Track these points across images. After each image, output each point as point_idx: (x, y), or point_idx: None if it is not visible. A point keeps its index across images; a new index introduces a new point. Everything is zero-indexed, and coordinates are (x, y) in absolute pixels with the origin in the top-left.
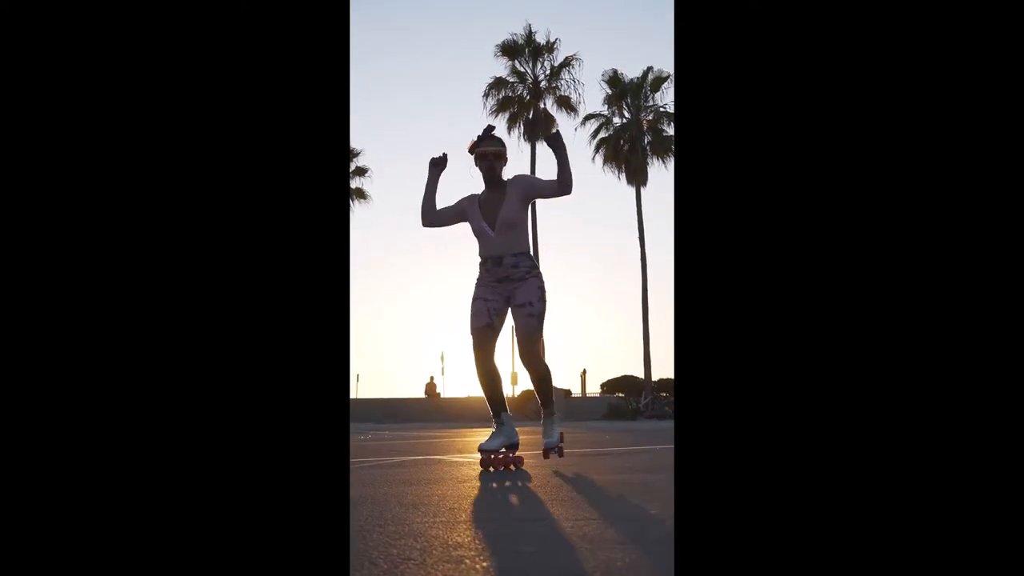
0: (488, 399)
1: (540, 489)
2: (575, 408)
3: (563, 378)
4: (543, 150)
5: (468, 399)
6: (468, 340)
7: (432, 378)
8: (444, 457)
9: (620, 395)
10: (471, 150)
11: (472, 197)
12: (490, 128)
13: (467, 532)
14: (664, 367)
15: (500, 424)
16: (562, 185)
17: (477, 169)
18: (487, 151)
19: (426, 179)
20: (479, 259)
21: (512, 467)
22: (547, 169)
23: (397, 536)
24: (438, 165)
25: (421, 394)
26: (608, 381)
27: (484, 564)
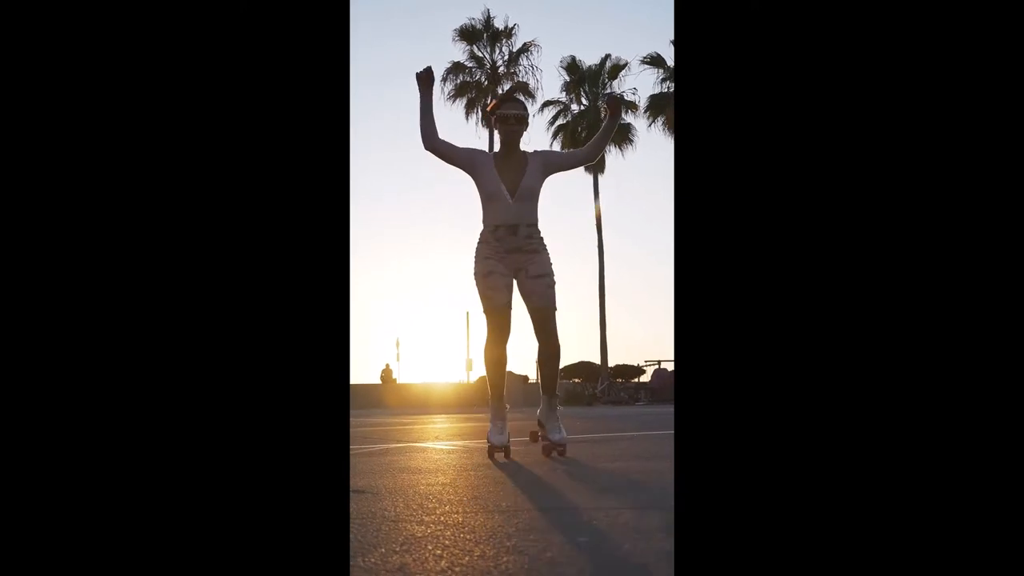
0: (495, 386)
1: (549, 477)
2: (532, 393)
3: (519, 364)
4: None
5: (425, 385)
6: (481, 319)
7: (388, 365)
8: (427, 445)
9: (576, 380)
10: (492, 110)
11: (486, 154)
12: (514, 90)
13: (511, 523)
14: (620, 354)
15: (504, 416)
16: (594, 149)
17: (494, 130)
18: (509, 114)
19: (419, 99)
20: (487, 226)
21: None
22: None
23: (442, 527)
24: (427, 80)
25: (375, 380)
26: (564, 367)
27: (549, 555)
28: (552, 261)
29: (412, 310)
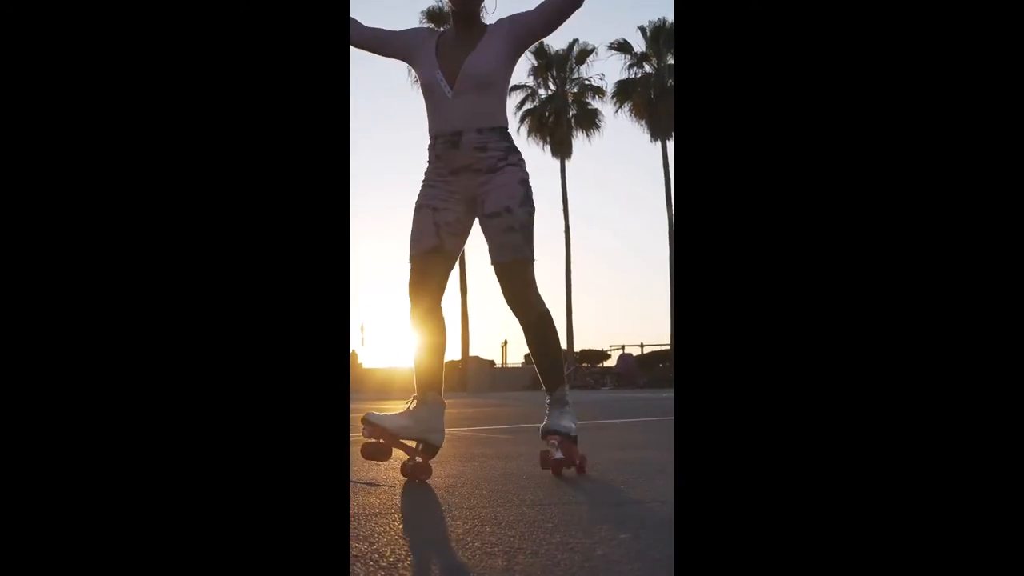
0: (417, 365)
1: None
2: (499, 378)
3: (485, 349)
4: None
5: (390, 370)
6: (404, 272)
7: (352, 350)
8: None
9: None
10: None
11: (430, 32)
12: None
13: (545, 520)
14: (585, 339)
15: (422, 404)
16: None
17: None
18: None
19: None
20: (430, 137)
21: (418, 478)
22: None
23: (476, 523)
24: None
25: None
26: (526, 353)
27: (600, 552)
28: (525, 178)
29: (379, 293)
